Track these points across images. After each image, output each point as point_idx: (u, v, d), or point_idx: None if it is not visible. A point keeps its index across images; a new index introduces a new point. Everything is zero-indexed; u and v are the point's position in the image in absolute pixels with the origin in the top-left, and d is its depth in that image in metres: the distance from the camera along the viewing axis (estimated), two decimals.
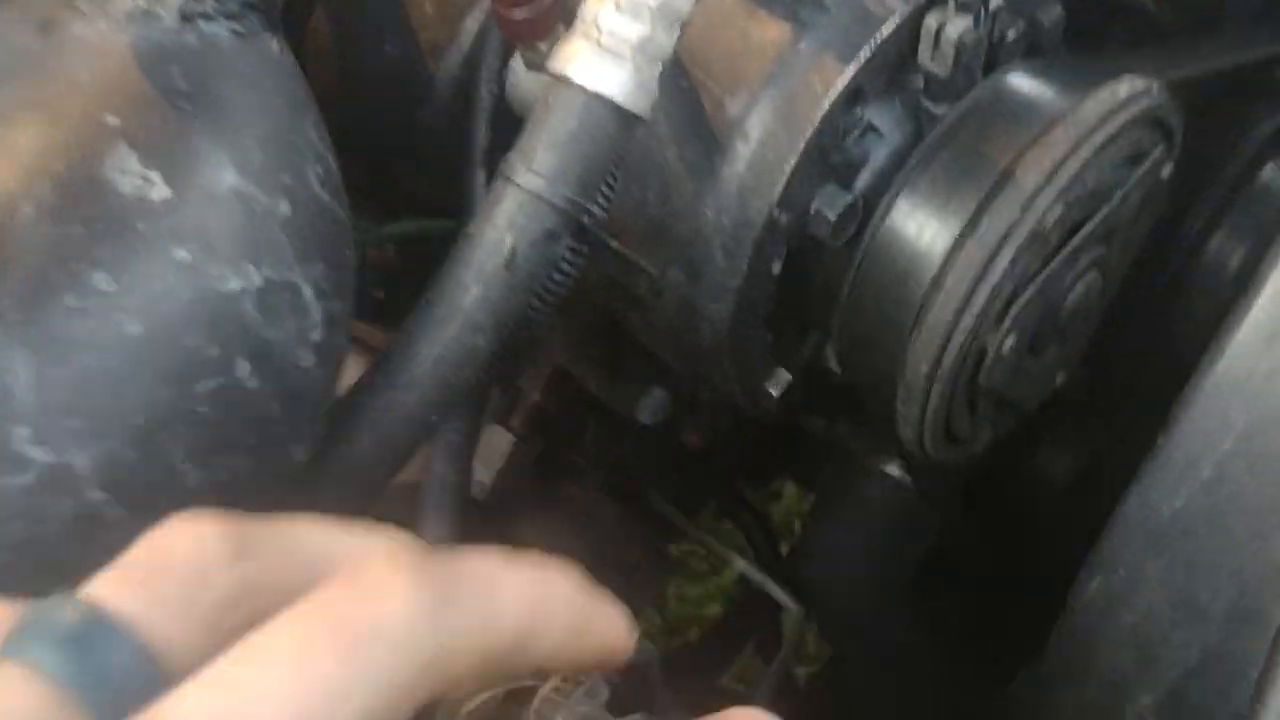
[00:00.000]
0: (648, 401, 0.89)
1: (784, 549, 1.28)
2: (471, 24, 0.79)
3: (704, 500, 1.13)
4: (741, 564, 1.17)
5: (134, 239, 0.41)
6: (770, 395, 0.70)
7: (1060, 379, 0.71)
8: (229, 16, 0.49)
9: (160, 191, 0.42)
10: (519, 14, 0.61)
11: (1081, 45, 0.78)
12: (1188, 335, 0.80)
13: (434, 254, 0.55)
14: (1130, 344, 0.80)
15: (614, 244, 0.66)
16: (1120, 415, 0.94)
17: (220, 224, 0.43)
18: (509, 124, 0.61)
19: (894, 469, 1.01)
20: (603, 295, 0.72)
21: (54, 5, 0.50)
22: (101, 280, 0.40)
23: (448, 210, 0.74)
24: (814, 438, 1.04)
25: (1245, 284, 0.60)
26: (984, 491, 0.99)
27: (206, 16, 0.49)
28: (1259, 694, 0.50)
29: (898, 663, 1.07)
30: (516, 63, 0.69)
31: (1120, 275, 0.70)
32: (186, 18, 0.48)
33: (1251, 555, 0.54)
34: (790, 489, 1.57)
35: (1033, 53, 0.67)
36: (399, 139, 0.84)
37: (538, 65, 0.63)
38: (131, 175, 0.42)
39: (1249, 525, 0.54)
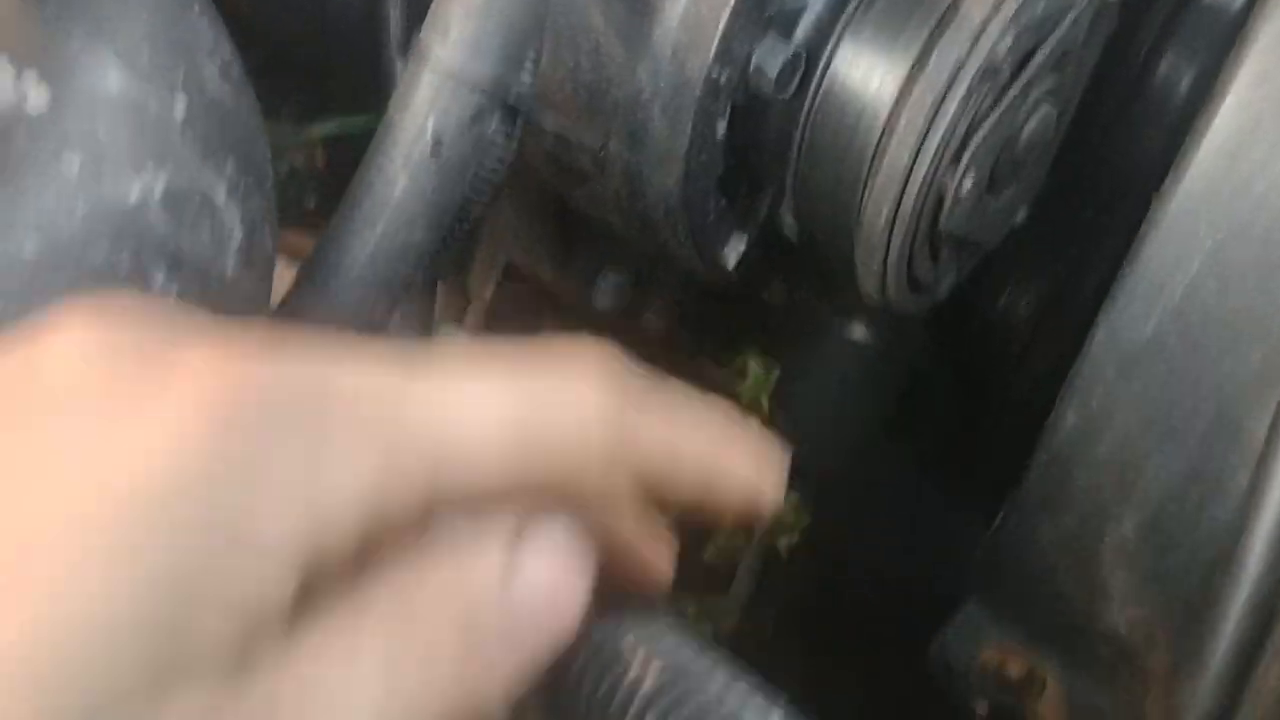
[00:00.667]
0: (604, 286, 0.86)
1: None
2: None
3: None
4: None
5: (13, 152, 0.37)
6: (728, 261, 0.67)
7: (1021, 215, 0.69)
8: None
9: (38, 98, 0.38)
10: None
11: None
12: (1140, 161, 0.78)
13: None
14: (1084, 174, 0.77)
15: (549, 119, 0.62)
16: (1078, 246, 0.93)
17: (110, 128, 0.40)
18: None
19: (859, 332, 0.99)
20: (545, 174, 0.69)
21: None
22: None
23: (371, 106, 0.70)
24: (775, 308, 1.03)
25: (1198, 104, 0.57)
26: (951, 337, 0.98)
27: None
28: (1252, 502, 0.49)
29: (879, 511, 1.07)
30: None
31: (1074, 102, 0.67)
32: None
33: (1226, 371, 0.53)
34: (755, 366, 1.56)
35: None
36: (306, 28, 0.79)
37: None
38: (3, 82, 0.38)
39: (1222, 342, 0.52)
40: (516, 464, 0.27)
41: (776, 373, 1.19)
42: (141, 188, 0.40)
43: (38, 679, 0.20)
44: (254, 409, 0.23)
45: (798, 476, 1.11)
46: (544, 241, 0.86)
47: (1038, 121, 0.61)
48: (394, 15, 0.71)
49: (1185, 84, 0.77)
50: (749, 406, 1.46)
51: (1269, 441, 0.52)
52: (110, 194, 0.39)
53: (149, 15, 0.43)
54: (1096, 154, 0.77)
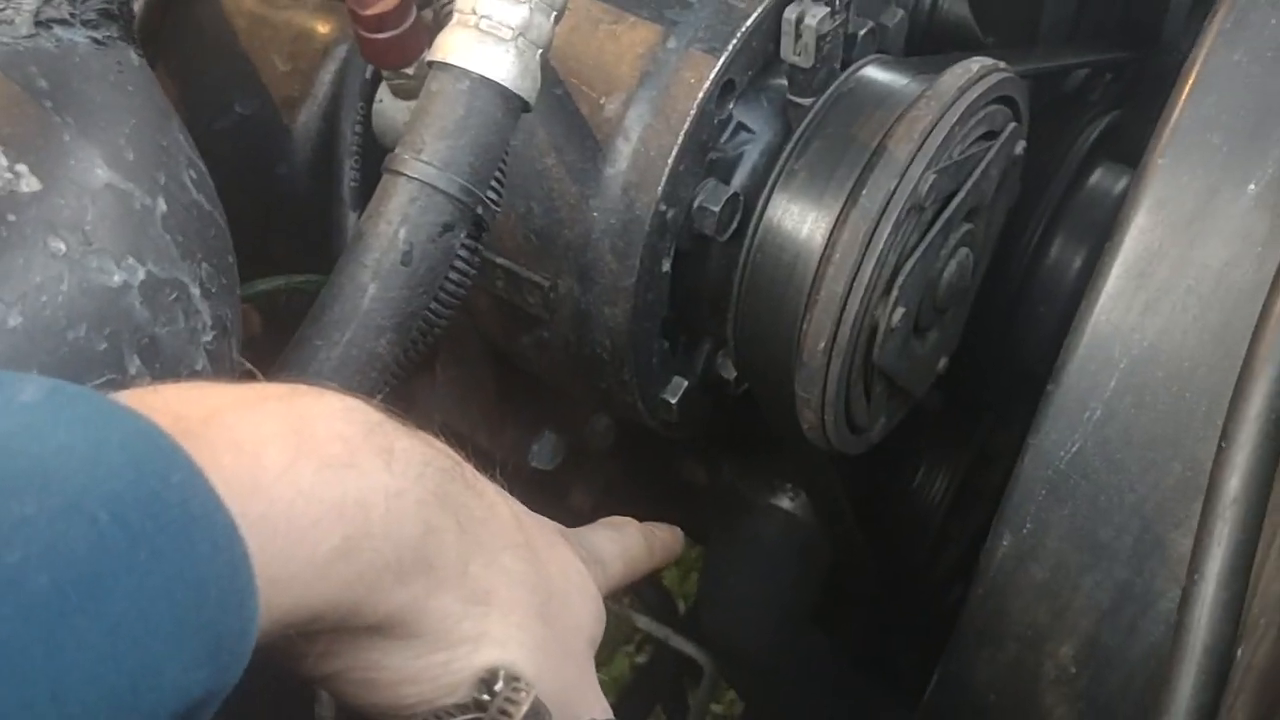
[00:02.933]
0: (541, 446, 0.87)
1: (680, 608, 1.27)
2: (326, 75, 0.78)
3: None
4: (644, 621, 1.15)
5: (4, 230, 0.38)
6: (669, 403, 0.69)
7: (942, 364, 0.73)
8: (86, 24, 0.47)
9: (29, 183, 0.40)
10: (384, 35, 0.61)
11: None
12: (1036, 343, 0.84)
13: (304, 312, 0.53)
14: (983, 357, 0.82)
15: (501, 260, 0.65)
16: (981, 429, 0.98)
17: (97, 217, 0.41)
18: (374, 166, 0.60)
19: (784, 501, 1.01)
20: (491, 323, 0.71)
21: None
22: None
23: (311, 269, 0.72)
24: (698, 487, 1.04)
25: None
26: (871, 514, 1.00)
27: (64, 23, 0.47)
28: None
29: (811, 696, 1.06)
30: (383, 94, 0.68)
31: (987, 254, 0.73)
32: (42, 24, 0.46)
33: (1148, 487, 0.56)
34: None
35: (880, 53, 0.71)
36: (256, 198, 0.81)
37: (407, 90, 0.63)
38: None
39: (1141, 458, 0.55)
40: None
41: (698, 550, 1.19)
42: (123, 274, 0.41)
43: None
44: None
45: (731, 664, 1.10)
46: (481, 402, 0.87)
47: (957, 265, 0.66)
48: (346, 172, 0.75)
49: (1076, 265, 0.84)
50: (673, 585, 1.44)
51: (1193, 558, 0.55)
52: (94, 277, 0.40)
53: (135, 121, 0.45)
54: (996, 338, 0.82)
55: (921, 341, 0.69)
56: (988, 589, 0.62)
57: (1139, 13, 1.02)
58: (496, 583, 0.41)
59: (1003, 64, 0.65)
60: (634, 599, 1.15)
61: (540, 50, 0.51)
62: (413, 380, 0.92)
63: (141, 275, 0.42)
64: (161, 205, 0.44)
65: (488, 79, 0.49)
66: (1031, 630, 0.61)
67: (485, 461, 0.97)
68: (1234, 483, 0.39)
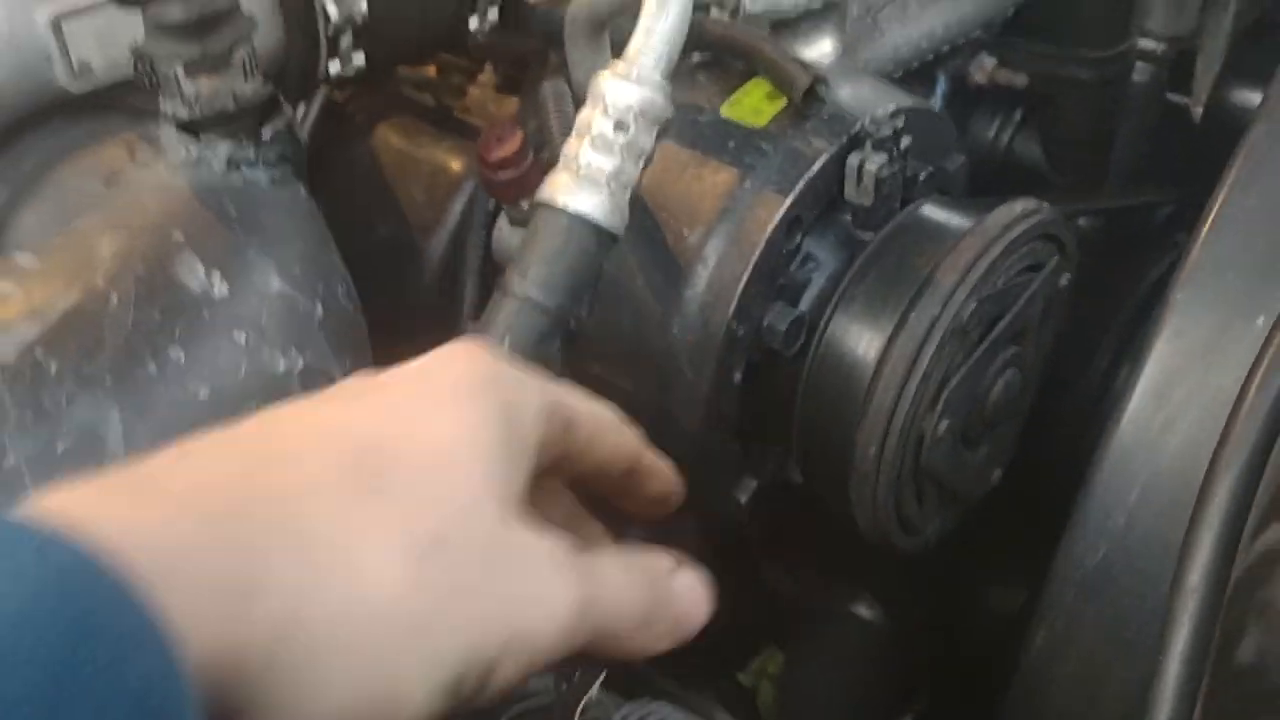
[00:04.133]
0: (628, 541, 0.95)
1: None
2: (457, 205, 0.90)
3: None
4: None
5: (201, 324, 0.49)
6: (739, 502, 0.77)
7: (996, 475, 0.79)
8: (267, 164, 0.59)
9: (221, 289, 0.51)
10: (505, 175, 0.72)
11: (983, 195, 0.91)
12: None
13: None
14: (1056, 475, 0.88)
15: (594, 368, 0.74)
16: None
17: (270, 317, 0.51)
18: (491, 284, 0.70)
19: (862, 609, 1.06)
20: None
21: (116, 160, 0.60)
22: (176, 355, 0.47)
23: None
24: (776, 593, 1.10)
25: None
26: (948, 626, 1.04)
27: (250, 164, 0.59)
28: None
29: None
30: (502, 223, 0.80)
31: (1036, 377, 0.79)
32: (233, 165, 0.58)
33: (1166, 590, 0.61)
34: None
35: (941, 193, 0.79)
36: (391, 312, 0.93)
37: (521, 220, 0.74)
38: (197, 276, 0.50)
39: (1161, 563, 0.61)
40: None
41: (780, 656, 1.23)
42: (287, 363, 0.52)
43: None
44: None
45: None
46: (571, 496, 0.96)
47: (1003, 385, 0.73)
48: (469, 290, 0.86)
49: None
50: (758, 693, 1.49)
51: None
52: (265, 365, 0.51)
53: (301, 242, 0.56)
54: (1067, 456, 0.87)
55: (973, 452, 0.76)
56: (1023, 682, 0.67)
57: (1208, 155, 1.08)
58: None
59: (1046, 205, 0.72)
60: (714, 696, 1.20)
61: (629, 191, 0.61)
62: None
63: (300, 365, 0.52)
64: (319, 310, 0.55)
65: (583, 216, 0.59)
66: (1068, 717, 0.66)
67: None
68: (1194, 576, 0.44)
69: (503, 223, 0.80)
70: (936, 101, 0.98)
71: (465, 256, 0.88)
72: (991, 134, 1.03)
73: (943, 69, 0.98)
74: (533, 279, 0.59)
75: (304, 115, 0.96)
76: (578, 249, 0.59)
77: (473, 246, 0.86)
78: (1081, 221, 1.07)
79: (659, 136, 0.62)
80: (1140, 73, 1.03)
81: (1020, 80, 0.97)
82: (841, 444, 0.70)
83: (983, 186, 1.02)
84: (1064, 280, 0.75)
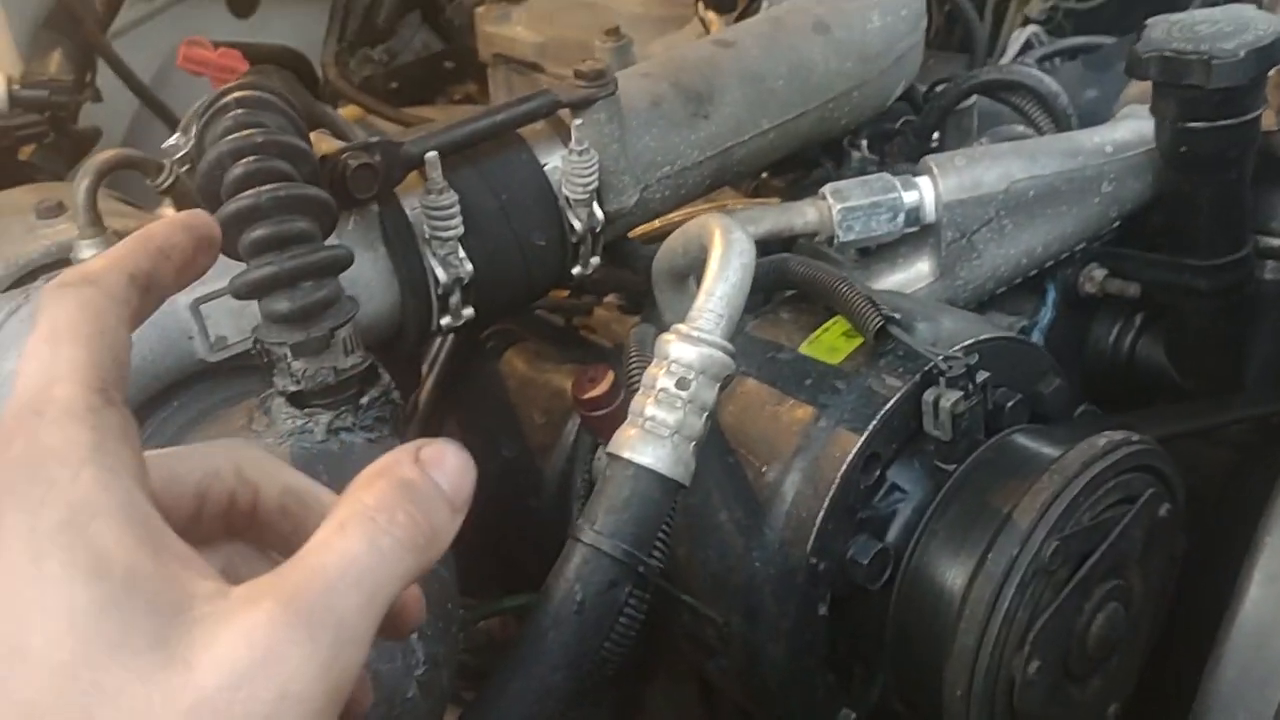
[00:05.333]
0: None
1: None
2: (572, 427, 0.95)
3: None
4: None
5: None
6: None
7: (1113, 710, 0.76)
8: (364, 428, 0.65)
9: None
10: (597, 413, 0.77)
11: (1112, 407, 0.89)
12: None
13: None
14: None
15: (685, 598, 0.76)
16: None
17: None
18: None
19: None
20: (685, 647, 0.82)
21: (237, 427, 0.67)
22: None
23: None
24: None
25: None
26: None
27: (348, 429, 0.65)
28: None
29: None
30: (600, 451, 0.84)
31: (1152, 609, 0.76)
32: (332, 431, 0.64)
33: None
34: None
35: (1038, 418, 0.78)
36: (516, 525, 0.98)
37: None
38: None
39: None
40: None
41: None
42: None
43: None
44: None
45: None
46: (690, 714, 0.96)
47: (1105, 619, 0.70)
48: (576, 511, 0.90)
49: None
50: None
51: None
52: None
53: None
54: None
55: (1080, 689, 0.73)
56: None
57: None
58: None
59: (1136, 436, 0.71)
60: None
61: (694, 443, 0.64)
62: (638, 687, 1.02)
63: None
64: None
65: (647, 468, 0.62)
66: None
67: None
68: None
69: (601, 451, 0.84)
70: (1047, 311, 0.98)
71: (574, 476, 0.92)
72: (1111, 340, 1.02)
73: (1052, 280, 0.98)
74: (601, 528, 0.62)
75: (439, 346, 1.04)
76: (643, 499, 0.62)
77: (580, 471, 0.90)
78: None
79: (726, 385, 0.65)
80: (1271, 271, 1.00)
81: (1132, 290, 0.96)
82: (932, 681, 0.69)
83: (1109, 394, 1.00)
84: (1164, 510, 0.73)
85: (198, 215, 0.42)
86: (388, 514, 0.34)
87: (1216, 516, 0.92)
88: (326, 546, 0.33)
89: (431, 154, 0.74)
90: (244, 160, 0.62)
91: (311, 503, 0.42)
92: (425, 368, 1.05)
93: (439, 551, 0.35)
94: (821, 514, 0.69)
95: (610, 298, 1.10)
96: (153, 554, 0.32)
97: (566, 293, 1.11)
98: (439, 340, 1.04)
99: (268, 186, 0.61)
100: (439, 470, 0.36)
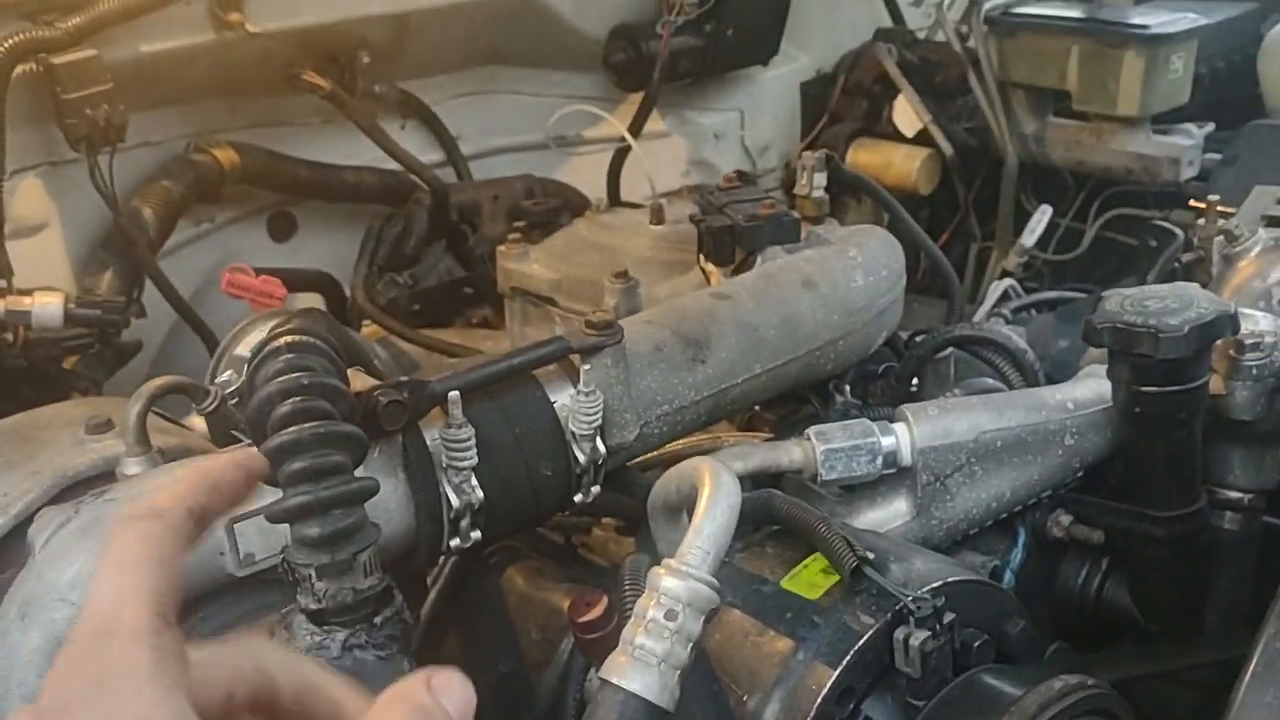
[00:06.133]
0: None
1: None
2: (566, 645, 1.00)
3: None
4: None
5: None
6: None
7: None
8: (376, 646, 0.71)
9: None
10: (591, 636, 0.82)
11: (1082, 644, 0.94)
12: None
13: None
14: None
15: None
16: None
17: None
18: None
19: None
20: None
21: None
22: None
23: None
24: None
25: None
26: None
27: (361, 647, 0.70)
28: None
29: None
30: (592, 673, 0.88)
31: None
32: (347, 648, 0.70)
33: None
34: None
35: (1004, 657, 0.84)
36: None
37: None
38: None
39: None
40: None
41: None
42: None
43: None
44: None
45: None
46: None
47: None
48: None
49: None
50: None
51: None
52: None
53: None
54: None
55: None
56: None
57: None
58: None
59: (1091, 680, 0.76)
60: None
61: (679, 671, 0.69)
62: None
63: None
64: None
65: (635, 695, 0.67)
66: None
67: None
68: None
69: (593, 673, 0.88)
70: (1018, 552, 1.04)
71: (567, 695, 0.96)
72: (1079, 582, 1.08)
73: (1022, 523, 1.05)
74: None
75: (444, 563, 1.10)
76: None
77: (573, 690, 0.95)
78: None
79: (711, 617, 0.71)
80: (1229, 521, 1.06)
81: (1096, 537, 1.03)
82: None
83: (1079, 632, 1.05)
84: None
85: (252, 456, 0.49)
86: None
87: None
88: None
89: (454, 394, 0.82)
90: (290, 400, 0.70)
91: (323, 688, 0.47)
92: (429, 580, 1.10)
93: None
94: None
95: (608, 520, 1.16)
96: None
97: (567, 510, 1.18)
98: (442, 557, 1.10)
99: (309, 425, 0.69)
100: (447, 696, 0.42)
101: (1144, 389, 0.95)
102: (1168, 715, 1.05)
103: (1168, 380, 0.95)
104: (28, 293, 1.29)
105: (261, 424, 0.71)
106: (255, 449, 0.50)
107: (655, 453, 1.06)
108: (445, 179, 1.88)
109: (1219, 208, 1.19)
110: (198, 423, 1.06)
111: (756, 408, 1.22)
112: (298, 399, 0.70)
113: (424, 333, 1.58)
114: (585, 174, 2.00)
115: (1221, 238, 1.13)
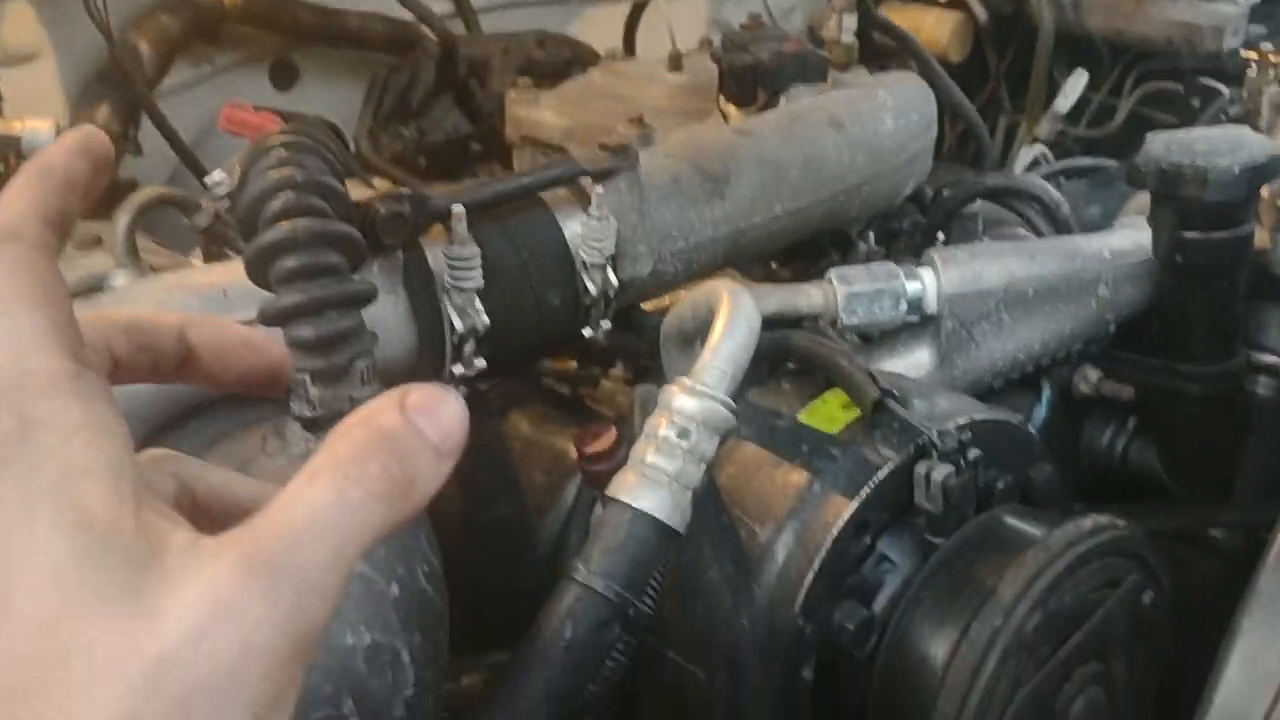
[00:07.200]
0: None
1: None
2: (570, 490, 0.97)
3: None
4: None
5: None
6: None
7: None
8: None
9: None
10: (598, 467, 0.79)
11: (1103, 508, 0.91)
12: None
13: None
14: None
15: (670, 653, 0.77)
16: None
17: (345, 594, 0.58)
18: None
19: None
20: (665, 706, 0.82)
21: (251, 449, 0.69)
22: None
23: None
24: None
25: None
26: None
27: None
28: None
29: None
30: (599, 508, 0.85)
31: (1134, 703, 0.76)
32: None
33: None
34: None
35: (1027, 503, 0.80)
36: (505, 584, 0.99)
37: None
38: None
39: None
40: None
41: None
42: (354, 638, 0.57)
43: None
44: None
45: None
46: None
47: (1086, 700, 0.71)
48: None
49: None
50: None
51: None
52: (334, 639, 0.56)
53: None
54: None
55: None
56: None
57: None
58: None
59: (1121, 521, 0.73)
60: None
61: (690, 491, 0.66)
62: None
63: (367, 640, 0.58)
64: (394, 590, 0.61)
65: (644, 512, 0.64)
66: None
67: None
68: None
69: (599, 508, 0.85)
70: (1043, 410, 1.01)
71: (571, 533, 0.94)
72: (1105, 442, 1.04)
73: (1048, 378, 1.00)
74: (595, 568, 0.64)
75: None
76: (638, 543, 0.64)
77: (577, 529, 0.92)
78: (1215, 533, 1.05)
79: (725, 440, 0.67)
80: (1263, 386, 1.02)
81: (1126, 393, 0.99)
82: None
83: (1101, 495, 1.02)
84: (1148, 599, 0.74)
85: (91, 134, 0.39)
86: (359, 464, 0.33)
87: (1205, 623, 0.93)
88: (294, 498, 0.33)
89: (458, 208, 0.78)
90: (283, 194, 0.66)
91: (237, 487, 0.41)
92: None
93: (420, 501, 0.34)
94: (811, 576, 0.71)
95: (617, 370, 1.12)
96: (134, 509, 0.32)
97: (574, 364, 1.14)
98: None
99: (303, 220, 0.65)
100: (425, 416, 0.34)
101: (1187, 235, 0.91)
102: (1187, 581, 1.03)
103: (1213, 225, 0.90)
104: (18, 119, 1.23)
105: (253, 221, 0.66)
106: (90, 126, 0.41)
107: (667, 298, 1.02)
108: (454, 32, 1.81)
109: (1272, 56, 1.12)
110: (198, 260, 1.02)
111: (773, 265, 1.17)
112: (291, 194, 0.66)
113: (433, 186, 1.53)
114: (600, 31, 1.92)
115: (1276, 87, 1.07)
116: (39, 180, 0.36)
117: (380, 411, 0.34)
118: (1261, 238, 0.95)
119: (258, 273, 0.65)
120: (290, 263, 0.64)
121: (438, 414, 0.34)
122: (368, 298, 0.67)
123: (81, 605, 0.31)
